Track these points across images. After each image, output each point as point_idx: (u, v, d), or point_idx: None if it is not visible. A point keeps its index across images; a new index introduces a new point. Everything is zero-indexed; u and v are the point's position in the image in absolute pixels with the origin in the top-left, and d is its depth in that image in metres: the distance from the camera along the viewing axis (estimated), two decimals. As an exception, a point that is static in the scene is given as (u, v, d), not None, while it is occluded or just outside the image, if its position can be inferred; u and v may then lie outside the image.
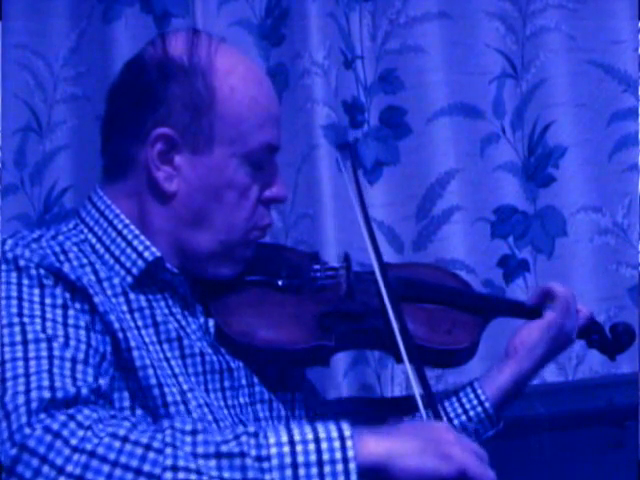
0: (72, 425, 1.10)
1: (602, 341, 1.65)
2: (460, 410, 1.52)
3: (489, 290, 2.05)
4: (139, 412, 1.26)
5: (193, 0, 2.11)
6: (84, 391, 1.15)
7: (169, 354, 1.33)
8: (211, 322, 1.39)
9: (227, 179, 1.36)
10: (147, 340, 1.31)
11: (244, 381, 1.38)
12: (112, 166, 1.41)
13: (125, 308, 1.32)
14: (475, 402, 1.52)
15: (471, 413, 1.52)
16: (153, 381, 1.27)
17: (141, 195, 1.37)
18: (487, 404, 1.52)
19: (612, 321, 1.99)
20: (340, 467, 1.10)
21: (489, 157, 2.08)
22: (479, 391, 1.53)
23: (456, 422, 1.51)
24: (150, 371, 1.27)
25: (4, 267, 1.26)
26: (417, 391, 1.30)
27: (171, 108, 1.34)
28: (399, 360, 1.41)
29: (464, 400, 1.53)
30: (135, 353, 1.27)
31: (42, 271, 1.26)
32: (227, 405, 1.35)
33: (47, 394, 1.13)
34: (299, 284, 1.46)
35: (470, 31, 2.09)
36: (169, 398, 1.27)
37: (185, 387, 1.31)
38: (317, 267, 1.50)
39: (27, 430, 1.09)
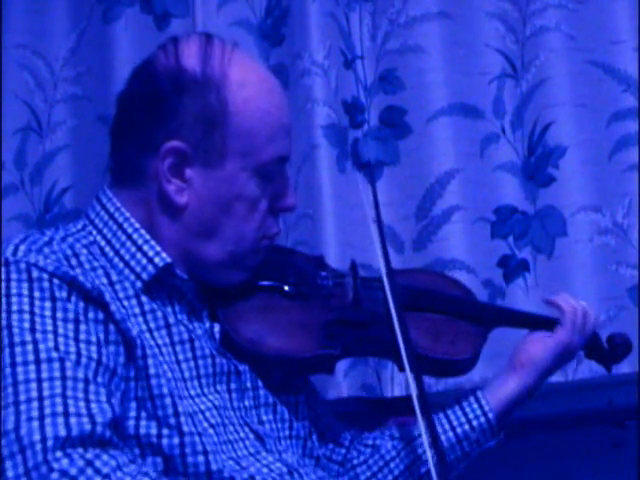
0: (89, 472, 1.11)
1: (599, 352, 1.65)
2: (463, 419, 1.52)
3: (489, 290, 2.05)
4: (143, 422, 1.25)
5: (193, 0, 2.11)
6: (99, 429, 1.15)
7: (181, 356, 1.33)
8: (216, 327, 1.39)
9: (237, 192, 1.36)
10: (160, 342, 1.31)
11: (249, 384, 1.38)
12: (121, 172, 1.39)
13: (137, 310, 1.32)
14: (479, 412, 1.52)
15: (474, 423, 1.51)
16: (165, 390, 1.27)
17: (150, 205, 1.36)
18: (490, 415, 1.52)
19: (612, 321, 2.00)
20: None
21: (489, 157, 2.08)
22: (483, 402, 1.52)
23: (459, 430, 1.51)
24: (163, 380, 1.27)
25: (16, 276, 1.25)
26: (416, 402, 1.30)
27: (183, 121, 1.33)
28: (401, 369, 1.41)
29: (468, 410, 1.52)
30: (150, 361, 1.27)
31: (56, 281, 1.25)
32: (233, 407, 1.35)
33: (62, 431, 1.12)
34: (306, 291, 1.46)
35: (470, 31, 2.09)
36: (180, 408, 1.27)
37: (192, 392, 1.31)
38: (324, 274, 1.50)
39: (44, 469, 1.10)
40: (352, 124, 2.10)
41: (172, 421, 1.25)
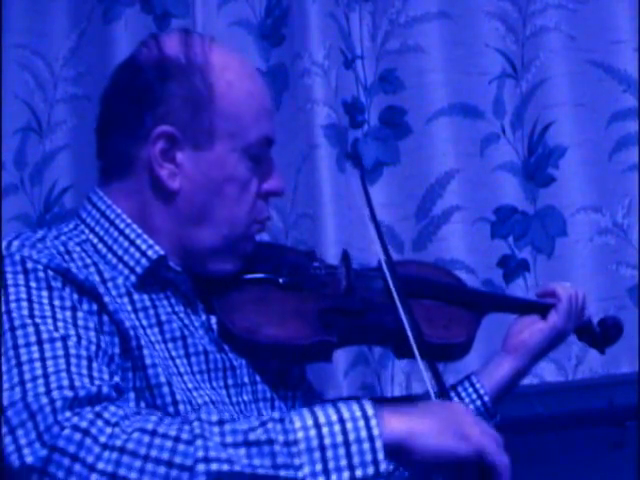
0: (100, 423, 1.10)
1: (591, 335, 1.66)
2: None
3: (489, 290, 2.04)
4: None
5: (193, 0, 2.12)
6: (105, 389, 1.15)
7: (174, 353, 1.33)
8: (213, 319, 1.40)
9: (228, 173, 1.37)
10: (153, 339, 1.32)
11: (246, 379, 1.38)
12: (110, 167, 1.40)
13: (129, 308, 1.32)
14: (474, 396, 1.54)
15: (470, 407, 1.52)
16: (163, 379, 1.27)
17: (143, 194, 1.37)
18: (486, 398, 1.54)
19: (612, 321, 2.00)
20: (367, 445, 1.11)
21: (489, 157, 2.08)
22: (477, 385, 1.54)
23: None
24: (160, 369, 1.28)
25: (11, 269, 1.25)
26: (430, 385, 1.31)
27: (171, 106, 1.35)
28: (399, 356, 1.45)
29: (463, 394, 1.54)
30: (145, 351, 1.28)
31: (50, 272, 1.26)
32: (232, 402, 1.35)
33: (69, 393, 1.13)
34: (300, 281, 1.47)
35: (470, 31, 2.10)
36: (178, 397, 1.27)
37: (190, 386, 1.31)
38: (317, 264, 1.51)
39: (55, 429, 1.10)
40: (352, 124, 2.10)
41: (171, 410, 1.26)
